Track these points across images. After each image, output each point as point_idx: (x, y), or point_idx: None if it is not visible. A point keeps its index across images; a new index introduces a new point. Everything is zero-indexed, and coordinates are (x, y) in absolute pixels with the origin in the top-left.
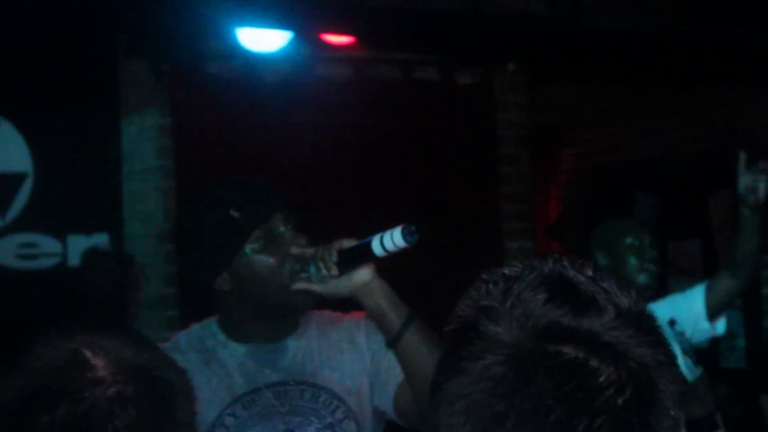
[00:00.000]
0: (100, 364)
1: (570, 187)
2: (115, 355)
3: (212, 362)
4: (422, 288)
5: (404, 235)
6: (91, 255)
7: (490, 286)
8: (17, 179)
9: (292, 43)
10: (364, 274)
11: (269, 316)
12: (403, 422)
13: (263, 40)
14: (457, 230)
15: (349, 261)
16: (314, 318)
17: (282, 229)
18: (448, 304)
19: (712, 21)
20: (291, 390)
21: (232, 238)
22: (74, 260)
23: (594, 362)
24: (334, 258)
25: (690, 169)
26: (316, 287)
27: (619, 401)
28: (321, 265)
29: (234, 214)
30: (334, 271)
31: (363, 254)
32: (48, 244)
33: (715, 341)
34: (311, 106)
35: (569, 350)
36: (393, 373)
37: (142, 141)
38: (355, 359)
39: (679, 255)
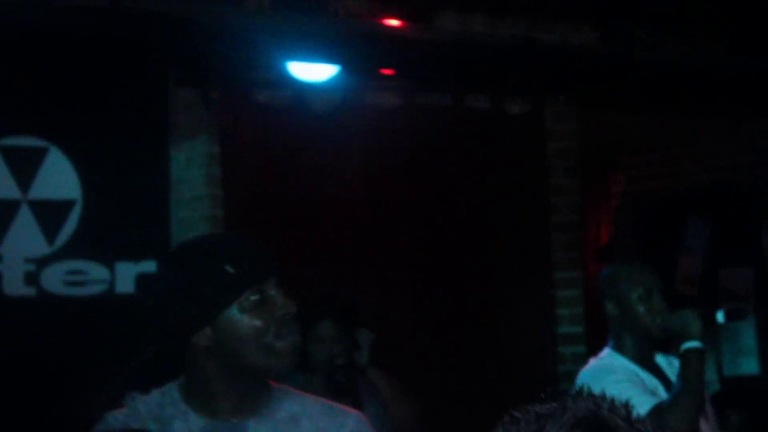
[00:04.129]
0: None
1: (620, 211)
2: None
3: None
4: (473, 318)
5: None
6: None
7: (522, 425)
8: (66, 206)
9: (341, 72)
10: None
11: (242, 380)
12: None
13: (313, 69)
14: (506, 260)
15: None
16: (288, 400)
17: (273, 292)
18: (498, 334)
19: (763, 54)
20: None
21: (223, 293)
22: (122, 287)
23: None
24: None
25: (742, 196)
26: None
27: None
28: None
29: (229, 269)
30: None
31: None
32: (96, 271)
33: None
34: (360, 135)
35: None
36: None
37: (191, 169)
38: None
39: (730, 282)
